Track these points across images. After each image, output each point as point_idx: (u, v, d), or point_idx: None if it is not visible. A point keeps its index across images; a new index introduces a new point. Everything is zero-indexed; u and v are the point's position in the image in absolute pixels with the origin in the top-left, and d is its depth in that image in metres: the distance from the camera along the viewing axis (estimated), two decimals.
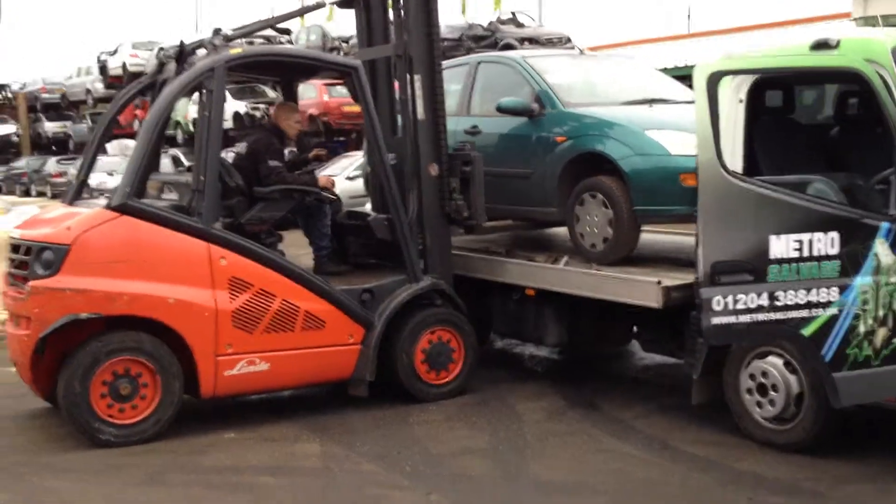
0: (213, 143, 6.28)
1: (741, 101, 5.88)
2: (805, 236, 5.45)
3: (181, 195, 6.59)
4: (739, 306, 5.71)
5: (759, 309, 5.64)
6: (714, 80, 5.81)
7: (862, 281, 5.34)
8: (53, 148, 34.68)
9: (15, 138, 36.24)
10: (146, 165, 6.29)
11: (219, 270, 6.26)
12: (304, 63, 7.17)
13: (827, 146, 6.40)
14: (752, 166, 5.90)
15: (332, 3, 7.38)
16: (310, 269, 6.85)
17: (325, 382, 6.97)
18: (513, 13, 24.81)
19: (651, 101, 7.44)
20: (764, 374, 5.76)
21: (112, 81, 30.22)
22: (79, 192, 6.95)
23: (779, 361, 5.70)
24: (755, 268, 5.62)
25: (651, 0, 58.45)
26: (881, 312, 5.33)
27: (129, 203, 6.10)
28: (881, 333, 5.33)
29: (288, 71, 7.49)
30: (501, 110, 7.50)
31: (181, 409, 6.30)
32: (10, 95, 38.95)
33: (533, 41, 21.59)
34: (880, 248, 5.29)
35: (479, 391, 7.34)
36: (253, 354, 6.37)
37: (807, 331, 5.51)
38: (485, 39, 21.42)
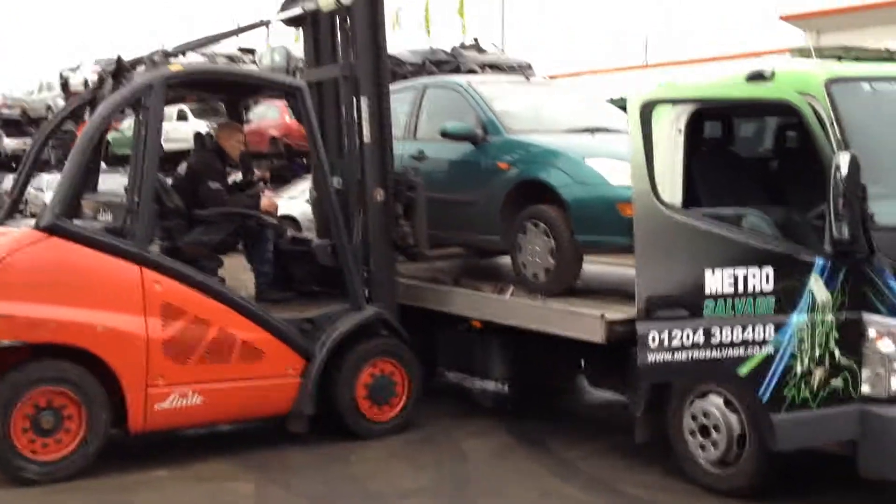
0: (148, 162, 6.01)
1: (680, 131, 5.74)
2: (740, 271, 5.28)
3: (115, 216, 6.28)
4: (675, 343, 5.44)
5: (695, 346, 5.39)
6: (648, 110, 5.63)
7: (798, 319, 5.21)
8: (13, 165, 33.83)
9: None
10: (78, 185, 6.00)
11: (152, 296, 5.97)
12: (246, 82, 6.92)
13: (767, 179, 6.30)
14: (692, 198, 5.76)
15: (280, 21, 7.10)
16: (249, 297, 6.57)
17: (262, 417, 6.67)
18: (475, 39, 24.83)
19: (594, 130, 7.31)
20: (705, 414, 5.61)
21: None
22: (11, 210, 6.63)
23: (719, 401, 5.56)
24: (690, 303, 5.39)
25: (611, 31, 59.01)
26: (817, 352, 5.21)
27: (58, 224, 5.80)
28: (818, 374, 5.20)
29: (231, 90, 7.23)
30: (445, 135, 7.34)
31: (109, 444, 5.98)
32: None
33: (494, 67, 21.56)
34: (815, 285, 5.18)
35: (425, 426, 7.11)
36: (186, 387, 6.07)
37: (743, 370, 5.33)
38: (447, 65, 21.36)
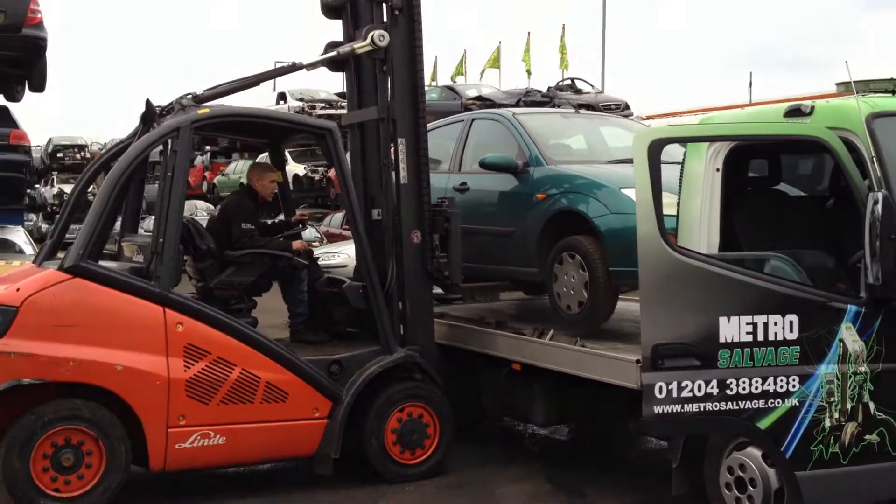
0: (174, 204, 6.07)
1: (718, 170, 5.46)
2: (760, 319, 4.95)
3: (144, 258, 6.37)
4: (685, 394, 5.06)
5: (708, 397, 5.04)
6: (657, 148, 5.21)
7: (826, 370, 4.89)
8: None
9: (91, 197, 36.81)
10: (103, 227, 6.09)
11: (174, 336, 6.00)
12: (276, 124, 6.95)
13: (819, 220, 5.91)
14: (730, 241, 5.46)
15: (323, 66, 7.10)
16: (274, 337, 6.55)
17: (287, 458, 6.61)
18: (571, 79, 24.69)
19: None
20: (742, 466, 5.25)
21: None
22: (52, 252, 6.79)
23: (757, 453, 5.19)
24: (703, 352, 5.02)
25: (714, 69, 57.98)
26: (849, 405, 4.89)
27: (82, 265, 5.89)
28: (850, 429, 4.88)
29: (262, 132, 7.28)
30: (485, 166, 7.25)
31: (138, 480, 6.00)
32: (88, 156, 39.85)
33: (590, 107, 21.41)
34: (847, 333, 4.87)
35: (462, 471, 6.93)
36: (208, 427, 6.06)
37: (763, 423, 4.99)
38: (542, 105, 21.32)
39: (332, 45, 7.14)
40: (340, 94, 24.31)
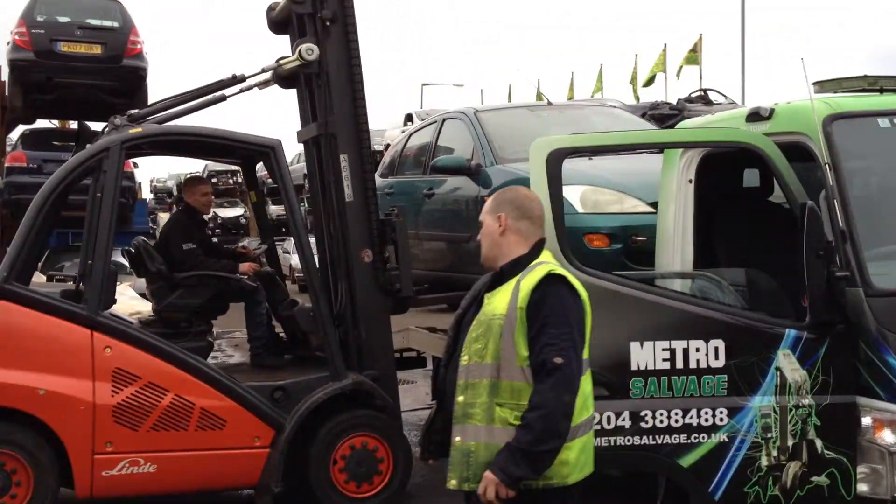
0: (103, 226, 5.91)
1: (690, 181, 5.03)
2: (678, 344, 4.41)
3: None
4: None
5: (620, 431, 4.49)
6: (557, 160, 4.62)
7: (761, 402, 4.36)
8: (283, 230, 35.78)
9: (243, 220, 37.75)
10: (30, 248, 5.97)
11: (102, 360, 5.83)
12: (216, 142, 6.71)
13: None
14: (706, 256, 5.00)
15: (271, 83, 6.76)
16: (239, 360, 6.29)
17: (228, 489, 6.35)
18: (704, 90, 23.63)
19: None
20: None
21: None
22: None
23: None
24: (611, 381, 4.45)
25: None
26: (790, 442, 4.35)
27: (6, 287, 5.77)
28: (792, 469, 4.35)
29: (202, 150, 7.08)
30: (436, 170, 6.86)
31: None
32: (240, 180, 40.88)
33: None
34: (785, 361, 4.33)
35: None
36: (137, 454, 5.85)
37: (686, 461, 4.44)
38: (671, 118, 20.53)
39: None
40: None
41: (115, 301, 6.19)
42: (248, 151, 6.75)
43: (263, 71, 6.50)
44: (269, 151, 6.35)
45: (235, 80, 6.39)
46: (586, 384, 3.47)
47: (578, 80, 34.65)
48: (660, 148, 5.22)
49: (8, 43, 12.20)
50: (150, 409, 5.87)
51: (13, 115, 13.23)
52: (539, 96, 7.66)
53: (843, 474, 4.41)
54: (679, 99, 21.96)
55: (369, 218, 6.51)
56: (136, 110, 6.23)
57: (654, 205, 5.81)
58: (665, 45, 29.21)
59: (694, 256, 5.07)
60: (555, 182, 4.53)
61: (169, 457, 5.93)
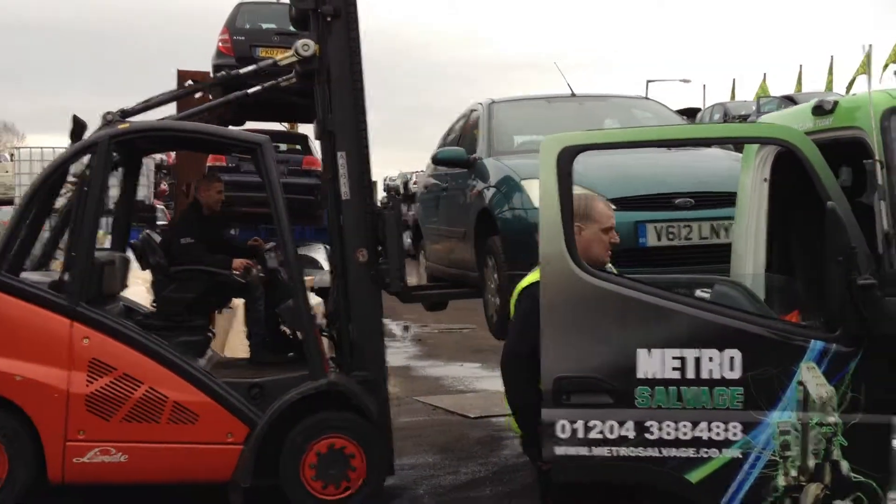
0: (88, 218, 6.07)
1: (765, 180, 4.81)
2: (690, 353, 4.12)
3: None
4: (594, 435, 4.24)
5: (623, 441, 4.21)
6: (567, 158, 4.36)
7: (780, 417, 4.04)
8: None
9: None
10: (23, 239, 6.19)
11: (79, 350, 6.00)
12: (203, 138, 6.79)
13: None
14: (783, 261, 4.80)
15: (290, 83, 6.81)
16: (188, 357, 6.36)
17: (200, 482, 6.43)
18: (789, 96, 22.86)
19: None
20: None
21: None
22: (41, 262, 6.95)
23: None
24: (616, 388, 4.20)
25: None
26: (812, 462, 4.02)
27: None
28: (813, 491, 4.02)
29: (191, 146, 7.16)
30: (437, 162, 6.78)
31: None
32: None
33: None
34: (808, 375, 4.01)
35: None
36: (108, 443, 5.99)
37: (694, 476, 4.13)
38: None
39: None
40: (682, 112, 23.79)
41: (99, 292, 6.35)
42: (236, 148, 6.82)
43: (258, 69, 6.56)
44: (255, 148, 6.40)
45: (231, 76, 6.50)
46: None
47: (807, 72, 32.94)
48: (682, 144, 4.96)
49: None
50: (122, 399, 6.01)
51: (223, 119, 13.48)
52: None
53: (870, 499, 4.05)
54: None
55: (366, 218, 6.50)
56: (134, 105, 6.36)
57: (627, 201, 5.61)
58: None
59: (770, 260, 4.83)
60: (565, 180, 4.31)
61: (140, 448, 6.05)
